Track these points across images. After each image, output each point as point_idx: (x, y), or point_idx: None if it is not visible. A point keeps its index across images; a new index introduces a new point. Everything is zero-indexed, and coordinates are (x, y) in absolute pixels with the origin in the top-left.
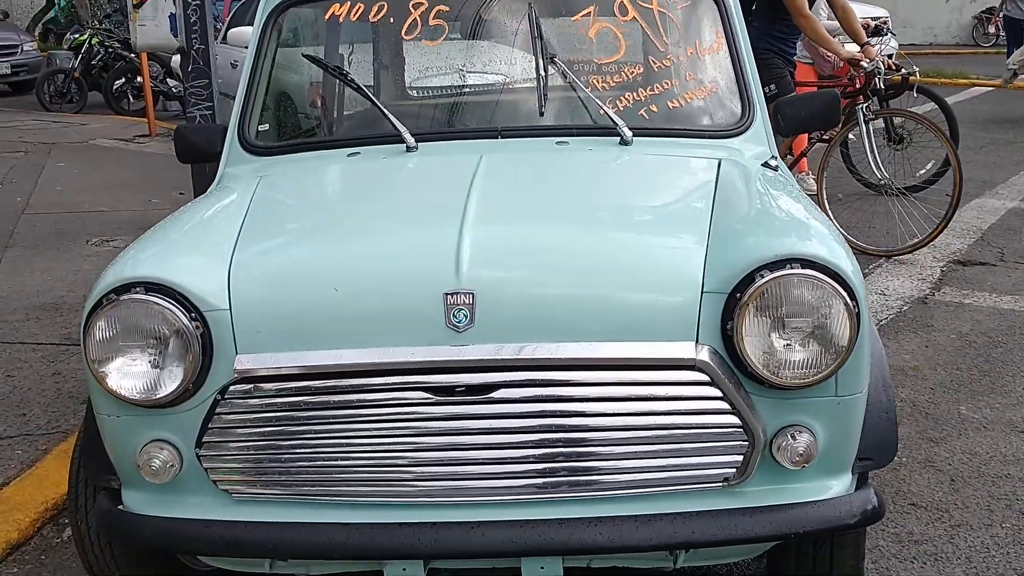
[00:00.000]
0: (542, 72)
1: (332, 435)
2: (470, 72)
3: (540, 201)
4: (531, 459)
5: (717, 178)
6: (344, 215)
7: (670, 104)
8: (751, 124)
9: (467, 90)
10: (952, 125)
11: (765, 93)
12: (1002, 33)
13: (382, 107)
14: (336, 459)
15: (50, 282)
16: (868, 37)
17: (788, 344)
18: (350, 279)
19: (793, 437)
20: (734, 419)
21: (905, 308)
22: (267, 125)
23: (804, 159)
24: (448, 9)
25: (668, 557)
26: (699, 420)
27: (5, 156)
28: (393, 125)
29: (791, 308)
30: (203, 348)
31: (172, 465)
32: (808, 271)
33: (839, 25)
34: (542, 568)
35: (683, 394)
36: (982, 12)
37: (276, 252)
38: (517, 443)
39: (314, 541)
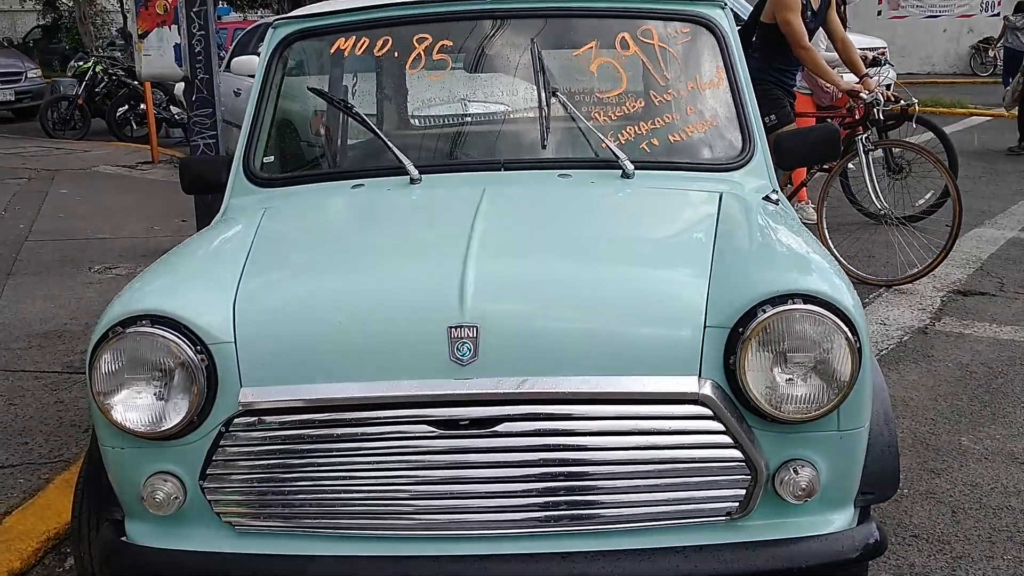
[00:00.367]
0: (544, 105)
1: (335, 468)
2: (473, 103)
3: (543, 234)
4: (534, 492)
5: (719, 212)
6: (349, 248)
7: (671, 138)
8: (752, 158)
9: (470, 123)
10: (951, 156)
11: (765, 123)
12: (1000, 62)
13: (387, 140)
14: (339, 492)
15: (52, 309)
16: (866, 68)
17: (790, 379)
18: (354, 312)
19: (795, 471)
20: (736, 453)
21: (906, 338)
22: (272, 157)
23: (804, 189)
24: (452, 43)
25: None
26: (701, 454)
27: (8, 183)
28: (397, 158)
29: (793, 343)
30: (208, 381)
31: (176, 497)
32: (810, 306)
33: (838, 56)
34: None
35: (685, 428)
36: (979, 42)
37: (281, 285)
38: (520, 476)
39: (316, 574)
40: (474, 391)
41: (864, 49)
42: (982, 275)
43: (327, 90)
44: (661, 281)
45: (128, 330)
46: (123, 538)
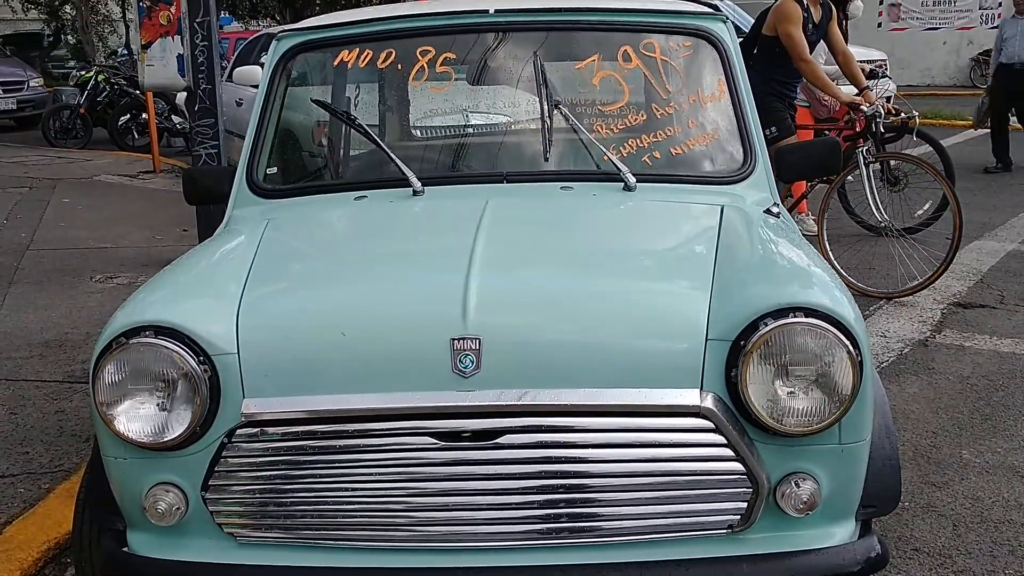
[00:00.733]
0: (547, 118)
1: (337, 480)
2: (475, 115)
3: (546, 247)
4: (535, 505)
5: (720, 225)
6: (352, 259)
7: (673, 151)
8: (753, 171)
9: (473, 135)
10: (948, 169)
11: (766, 136)
12: None
13: (390, 152)
14: (341, 503)
15: (54, 319)
16: (866, 80)
17: (792, 392)
18: (357, 324)
19: (797, 484)
20: (738, 466)
21: (906, 351)
22: (275, 168)
23: (804, 201)
24: (455, 56)
25: None
26: (703, 467)
27: (10, 192)
28: (400, 170)
29: (795, 356)
30: (211, 391)
31: (178, 508)
32: (811, 320)
33: (838, 69)
34: None
35: (687, 441)
36: (979, 54)
37: (284, 296)
38: (521, 489)
39: None
40: (476, 403)
41: (863, 62)
42: (982, 287)
43: (330, 102)
44: (663, 294)
45: (131, 341)
46: (124, 548)
